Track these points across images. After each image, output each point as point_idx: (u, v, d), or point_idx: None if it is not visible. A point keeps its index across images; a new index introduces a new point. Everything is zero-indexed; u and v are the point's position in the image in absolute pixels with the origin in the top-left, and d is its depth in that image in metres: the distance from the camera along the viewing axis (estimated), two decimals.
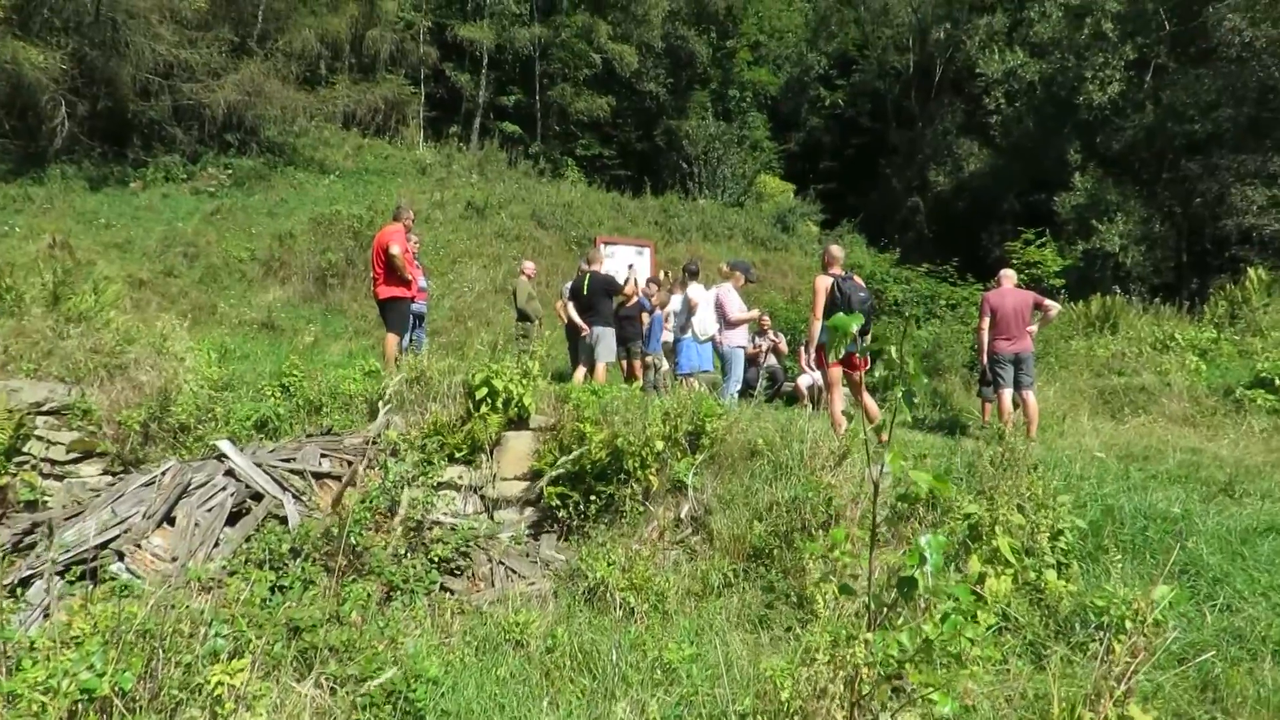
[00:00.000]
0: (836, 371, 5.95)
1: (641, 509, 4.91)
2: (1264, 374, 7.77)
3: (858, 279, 5.85)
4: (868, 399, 5.77)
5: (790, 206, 20.15)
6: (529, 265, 9.08)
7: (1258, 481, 5.03)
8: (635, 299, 8.44)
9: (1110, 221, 16.30)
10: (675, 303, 8.49)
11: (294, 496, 4.67)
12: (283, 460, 4.92)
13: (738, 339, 7.27)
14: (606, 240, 11.93)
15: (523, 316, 8.72)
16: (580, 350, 7.97)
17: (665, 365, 8.22)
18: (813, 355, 6.46)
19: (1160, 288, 15.10)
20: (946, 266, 14.09)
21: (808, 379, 9.46)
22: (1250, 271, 11.59)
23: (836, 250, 6.06)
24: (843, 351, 2.07)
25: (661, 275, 9.63)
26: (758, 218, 19.57)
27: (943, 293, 13.43)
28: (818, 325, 6.01)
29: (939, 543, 1.86)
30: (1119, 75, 16.95)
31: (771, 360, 9.85)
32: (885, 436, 2.04)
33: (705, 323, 7.22)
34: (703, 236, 17.07)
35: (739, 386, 6.85)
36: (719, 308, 7.16)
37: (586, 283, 7.84)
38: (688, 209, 18.46)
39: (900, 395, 1.80)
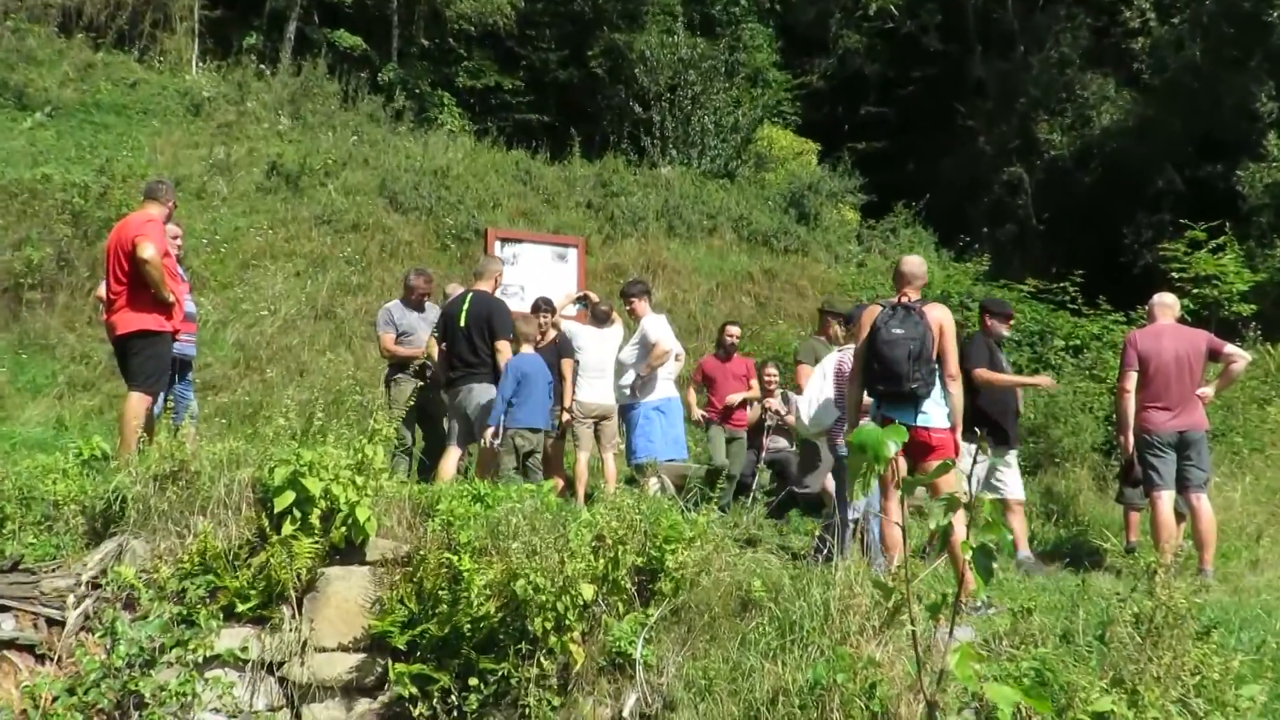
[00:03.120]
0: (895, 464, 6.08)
1: (556, 702, 4.88)
2: None
3: (929, 310, 6.02)
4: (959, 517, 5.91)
5: (811, 180, 20.58)
6: (418, 281, 8.99)
7: None
8: (546, 336, 8.60)
9: None
10: (627, 350, 8.70)
11: None
12: None
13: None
14: (505, 235, 12.00)
15: (396, 370, 8.70)
16: (451, 422, 8.06)
17: (666, 482, 8.49)
18: (844, 432, 6.62)
19: None
20: (1066, 284, 14.61)
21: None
22: None
23: (912, 266, 6.30)
24: (872, 478, 2.14)
25: (589, 297, 9.79)
26: (757, 198, 19.92)
27: (1060, 327, 13.90)
28: (856, 390, 6.17)
29: None
30: None
31: (779, 441, 10.01)
32: (971, 596, 2.10)
33: (817, 408, 7.41)
34: (666, 229, 17.28)
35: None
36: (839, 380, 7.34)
37: (465, 310, 7.93)
38: (642, 181, 18.67)
39: (972, 557, 1.87)
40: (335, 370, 11.48)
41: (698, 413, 9.66)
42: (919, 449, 5.88)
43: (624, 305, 9.12)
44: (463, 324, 7.87)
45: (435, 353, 8.34)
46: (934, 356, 5.94)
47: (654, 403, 8.63)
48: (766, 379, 10.06)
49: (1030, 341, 13.60)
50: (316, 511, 5.27)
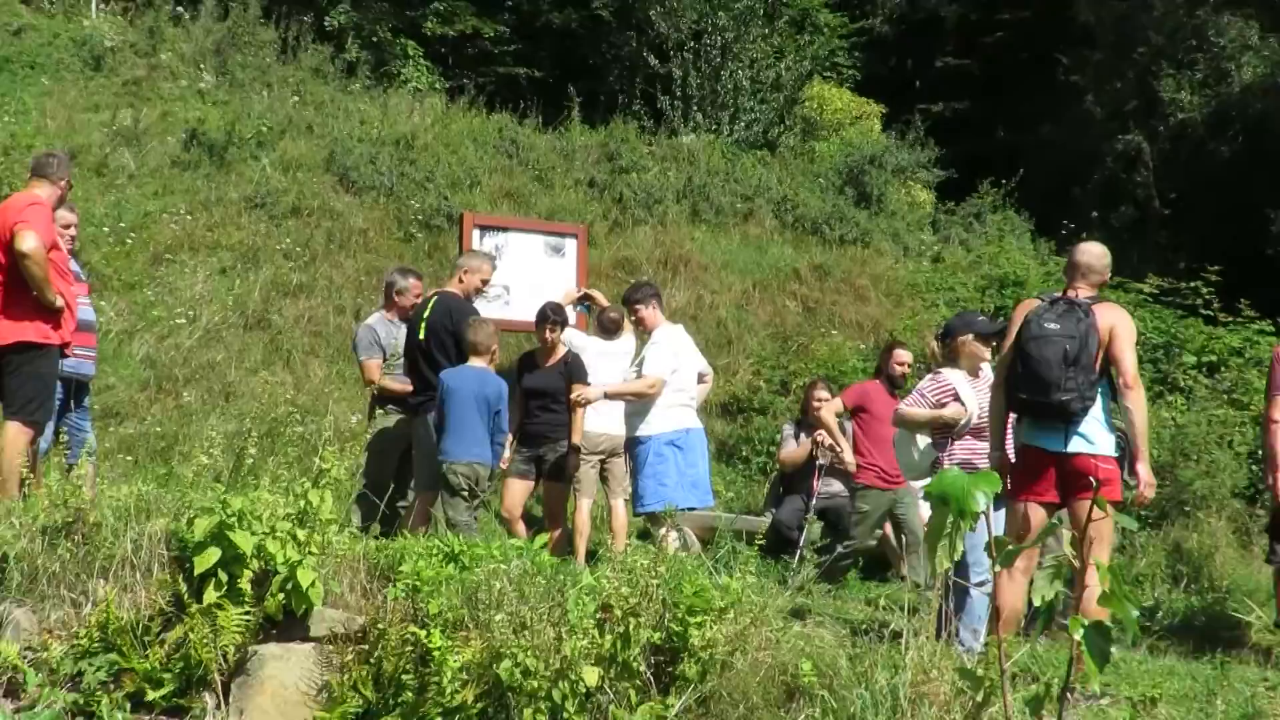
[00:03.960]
0: (1034, 514, 6.10)
1: None
2: None
3: (1101, 310, 6.07)
4: (1091, 576, 5.86)
5: (874, 151, 20.57)
6: (409, 283, 8.98)
7: None
8: (555, 353, 8.70)
9: None
10: (632, 374, 8.72)
11: None
12: None
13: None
14: (486, 222, 12.03)
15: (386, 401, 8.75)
16: (416, 465, 8.13)
17: (690, 536, 8.53)
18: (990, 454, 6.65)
19: None
20: (1197, 283, 14.55)
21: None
22: None
23: (1087, 255, 6.33)
24: (959, 541, 2.16)
25: (593, 298, 9.84)
26: (805, 174, 19.92)
27: (1190, 339, 13.85)
28: (998, 402, 6.28)
29: None
30: None
31: (833, 484, 10.02)
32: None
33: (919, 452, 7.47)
34: (690, 213, 17.30)
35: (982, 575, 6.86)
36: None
37: (425, 319, 7.98)
38: (659, 153, 18.71)
39: (1083, 635, 1.88)
40: (271, 394, 11.52)
41: (849, 458, 9.36)
42: (1071, 481, 5.91)
43: (629, 314, 9.13)
44: (421, 336, 7.91)
45: (378, 377, 8.43)
46: (1097, 365, 5.94)
47: (668, 436, 8.62)
48: (815, 404, 10.08)
49: (1153, 358, 13.55)
50: (248, 574, 5.27)
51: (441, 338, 7.88)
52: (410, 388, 8.28)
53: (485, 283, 8.47)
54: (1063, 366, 5.85)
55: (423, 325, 7.98)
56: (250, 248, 13.82)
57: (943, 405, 7.02)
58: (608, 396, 8.60)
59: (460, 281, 8.29)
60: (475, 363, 7.82)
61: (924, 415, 7.10)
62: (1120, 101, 23.81)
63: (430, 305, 8.05)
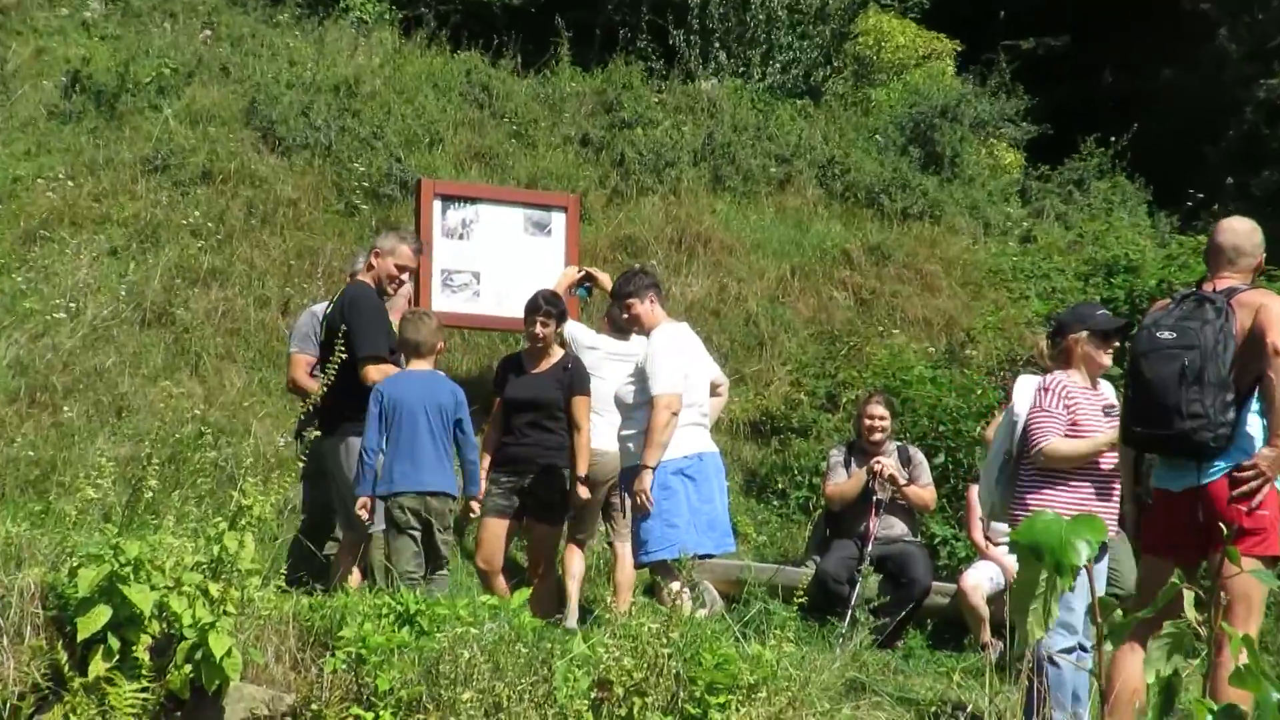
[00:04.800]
0: (1158, 573, 6.10)
1: None
2: None
3: (1245, 300, 6.01)
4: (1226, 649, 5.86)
5: (946, 101, 20.57)
6: (388, 244, 8.98)
7: None
8: (550, 355, 8.81)
9: None
10: (625, 385, 8.69)
11: None
12: None
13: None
14: (450, 191, 12.05)
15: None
16: (332, 501, 8.24)
17: (710, 592, 8.53)
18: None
19: None
20: None
21: (987, 574, 9.57)
22: None
23: (1231, 235, 6.29)
24: (1055, 603, 2.16)
25: (600, 280, 9.88)
26: (858, 130, 19.91)
27: None
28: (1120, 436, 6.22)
29: None
30: None
31: (895, 526, 10.03)
32: None
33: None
34: (710, 180, 17.28)
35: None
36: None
37: (327, 315, 8.16)
38: (672, 104, 18.75)
39: None
40: (175, 408, 11.50)
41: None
42: (1211, 529, 5.82)
43: (621, 312, 8.97)
44: (324, 337, 7.91)
45: (301, 376, 8.46)
46: (1230, 374, 5.84)
47: (676, 463, 8.41)
48: (869, 422, 10.08)
49: None
50: (146, 640, 5.26)
51: (335, 336, 7.75)
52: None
53: (403, 270, 8.33)
54: (1182, 387, 5.79)
55: (324, 323, 7.99)
56: (148, 223, 13.82)
57: (1078, 423, 6.94)
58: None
59: (370, 268, 8.21)
60: (418, 366, 7.84)
61: (1087, 447, 6.88)
62: (1262, 38, 23.81)
63: (333, 301, 8.05)
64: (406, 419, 7.63)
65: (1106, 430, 6.84)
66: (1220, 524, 5.72)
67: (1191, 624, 2.36)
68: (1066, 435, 6.81)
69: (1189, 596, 2.33)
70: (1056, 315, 7.82)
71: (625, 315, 8.77)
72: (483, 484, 8.44)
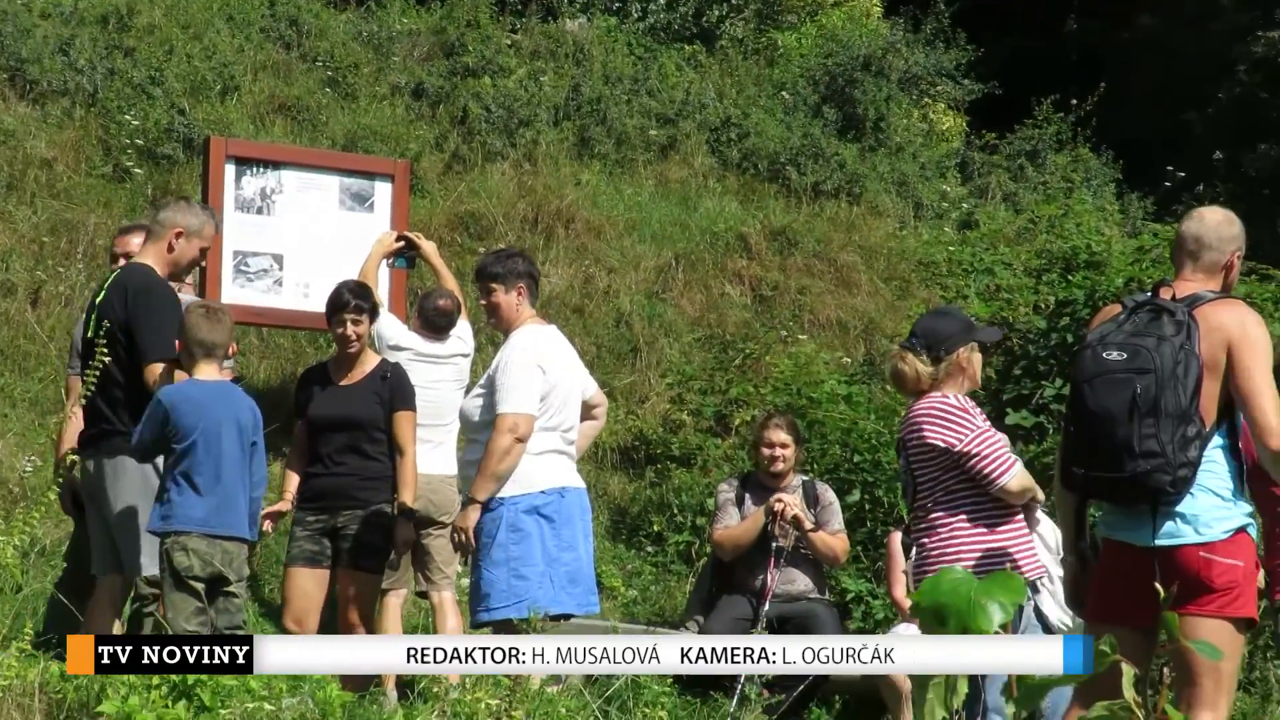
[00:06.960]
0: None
1: None
2: None
3: (1210, 311, 6.04)
4: None
5: (870, 48, 20.77)
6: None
7: None
8: (364, 361, 8.83)
9: None
10: (472, 398, 8.73)
11: None
12: None
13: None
14: (247, 153, 11.98)
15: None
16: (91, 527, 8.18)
17: None
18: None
19: None
20: None
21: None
22: None
23: (1199, 227, 6.30)
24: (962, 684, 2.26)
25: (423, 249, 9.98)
26: (761, 84, 20.17)
27: None
28: (1058, 479, 6.33)
29: None
30: None
31: (797, 580, 10.14)
32: None
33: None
34: (575, 144, 17.42)
35: None
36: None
37: (96, 306, 8.07)
38: (528, 47, 18.93)
39: None
40: None
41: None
42: (1180, 586, 5.67)
43: (479, 298, 8.90)
44: (90, 333, 7.87)
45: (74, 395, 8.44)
46: (1195, 405, 5.81)
47: (530, 499, 8.37)
48: (768, 450, 10.18)
49: None
50: None
51: (115, 336, 7.69)
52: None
53: (205, 253, 8.31)
54: (1134, 420, 5.77)
55: (92, 318, 7.93)
56: None
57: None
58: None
59: (170, 250, 8.14)
60: (207, 374, 7.65)
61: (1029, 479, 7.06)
62: None
63: (106, 285, 8.01)
64: (201, 440, 7.45)
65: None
66: (1184, 584, 5.68)
67: (1129, 707, 2.42)
68: None
69: (1128, 674, 2.39)
70: (930, 329, 7.81)
71: (483, 302, 8.58)
72: (268, 526, 8.45)
